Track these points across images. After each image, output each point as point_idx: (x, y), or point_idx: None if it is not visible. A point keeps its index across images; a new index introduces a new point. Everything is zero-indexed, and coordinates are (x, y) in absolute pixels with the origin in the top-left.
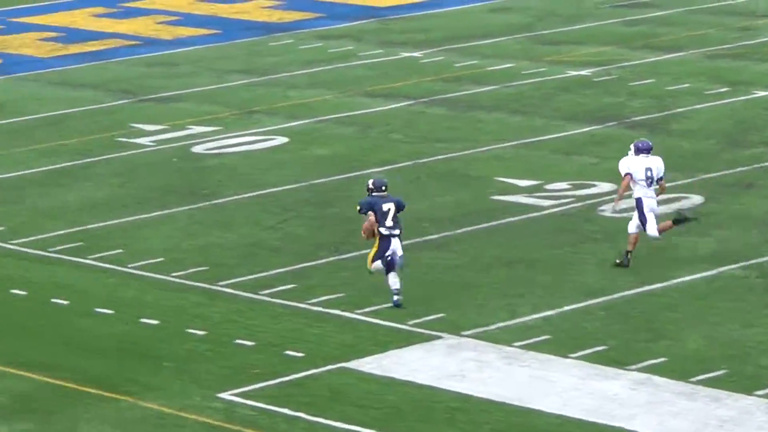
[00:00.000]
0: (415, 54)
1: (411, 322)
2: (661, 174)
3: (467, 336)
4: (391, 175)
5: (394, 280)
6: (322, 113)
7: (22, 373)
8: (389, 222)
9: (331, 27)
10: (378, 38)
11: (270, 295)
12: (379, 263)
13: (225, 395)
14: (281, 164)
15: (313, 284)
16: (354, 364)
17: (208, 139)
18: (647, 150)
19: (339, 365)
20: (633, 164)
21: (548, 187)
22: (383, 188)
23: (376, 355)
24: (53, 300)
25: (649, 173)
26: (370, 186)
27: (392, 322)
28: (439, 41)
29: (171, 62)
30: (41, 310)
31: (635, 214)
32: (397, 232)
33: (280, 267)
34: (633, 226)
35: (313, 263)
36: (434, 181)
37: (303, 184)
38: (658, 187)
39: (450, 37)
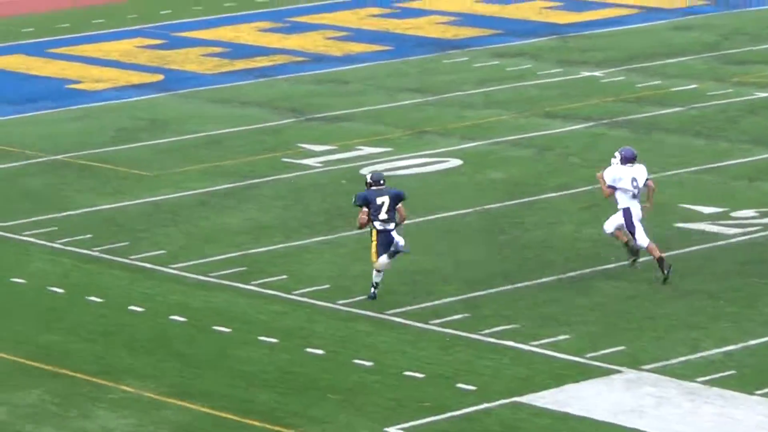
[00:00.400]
0: (596, 73)
1: (588, 355)
2: (645, 182)
3: (647, 370)
4: (567, 200)
5: (380, 272)
6: (498, 134)
7: (182, 403)
8: (383, 215)
9: (508, 44)
10: (557, 56)
11: (440, 324)
12: (385, 258)
13: (393, 429)
14: (454, 187)
15: (485, 314)
16: (528, 399)
17: (378, 160)
18: (633, 159)
19: (512, 399)
20: (619, 174)
21: (734, 214)
22: (381, 182)
23: (551, 390)
24: (214, 327)
25: (635, 183)
26: (369, 180)
27: (569, 354)
28: (621, 60)
29: (340, 80)
30: (202, 337)
31: (615, 217)
32: (391, 226)
33: (451, 295)
34: (611, 226)
35: (486, 292)
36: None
37: (476, 208)
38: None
39: (632, 56)
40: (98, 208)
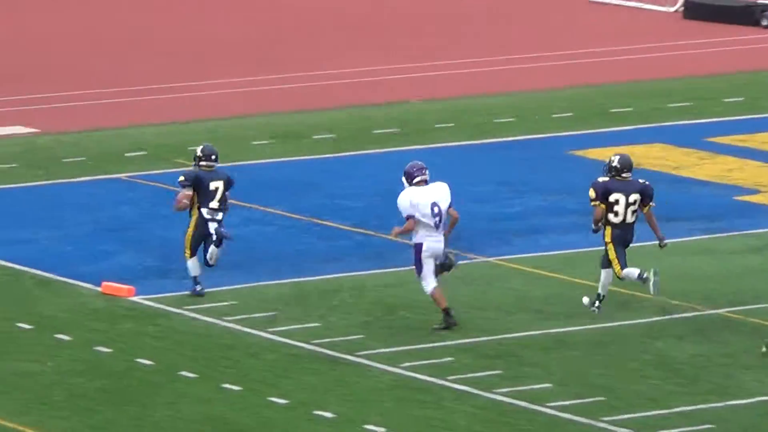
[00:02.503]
0: None
1: None
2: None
3: None
4: None
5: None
6: None
7: None
8: (214, 203)
9: None
10: None
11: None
12: (195, 261)
13: None
14: None
15: None
16: None
17: None
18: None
19: None
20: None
21: None
22: (213, 158)
23: None
24: None
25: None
26: (198, 154)
27: None
28: None
29: None
30: None
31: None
32: (219, 216)
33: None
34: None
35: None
36: None
37: None
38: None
39: None
40: None
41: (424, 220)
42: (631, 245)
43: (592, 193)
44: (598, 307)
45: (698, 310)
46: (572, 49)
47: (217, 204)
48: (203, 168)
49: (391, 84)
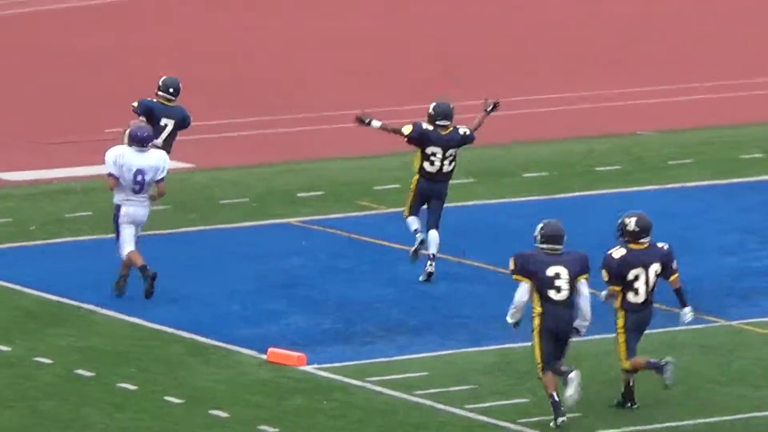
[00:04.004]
0: None
1: None
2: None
3: None
4: None
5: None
6: None
7: None
8: (158, 141)
9: None
10: None
11: None
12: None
13: None
14: None
15: None
16: None
17: None
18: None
19: None
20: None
21: None
22: (170, 91)
23: None
24: None
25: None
26: (158, 83)
27: None
28: None
29: None
30: None
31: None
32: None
33: None
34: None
35: None
36: None
37: None
38: None
39: None
40: None
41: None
42: None
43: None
44: None
45: None
46: None
47: (161, 142)
48: (160, 100)
49: (615, 111)
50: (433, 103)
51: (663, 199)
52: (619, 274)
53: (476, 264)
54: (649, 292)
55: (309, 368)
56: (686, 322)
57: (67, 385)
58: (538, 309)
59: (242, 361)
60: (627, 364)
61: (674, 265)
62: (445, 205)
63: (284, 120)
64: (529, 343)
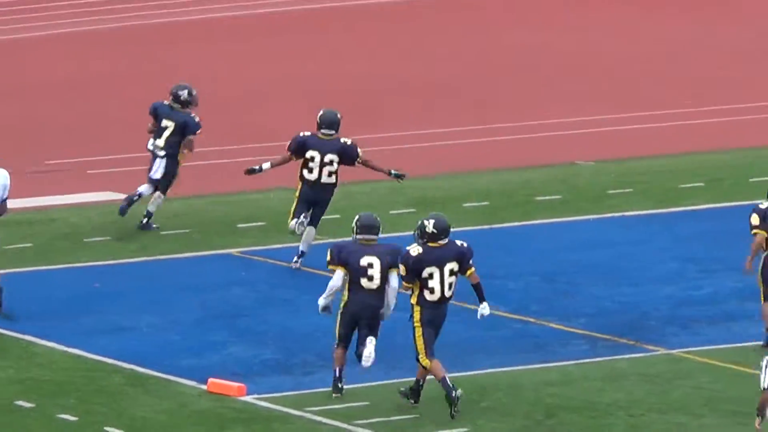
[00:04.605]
0: None
1: None
2: None
3: None
4: None
5: None
6: None
7: None
8: (160, 141)
9: None
10: None
11: None
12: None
13: None
14: None
15: None
16: None
17: None
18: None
19: None
20: None
21: None
22: (178, 97)
23: None
24: None
25: None
26: None
27: None
28: None
29: None
30: None
31: None
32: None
33: None
34: None
35: None
36: None
37: None
38: None
39: None
40: None
41: None
42: None
43: None
44: None
45: None
46: None
47: (162, 142)
48: (170, 103)
49: (555, 141)
50: (321, 112)
51: (602, 229)
52: (414, 271)
53: None
54: (445, 291)
55: (249, 398)
56: (484, 315)
57: (7, 416)
58: (346, 296)
59: (183, 392)
60: (426, 362)
61: (471, 261)
62: (384, 234)
63: (228, 151)
64: (468, 373)
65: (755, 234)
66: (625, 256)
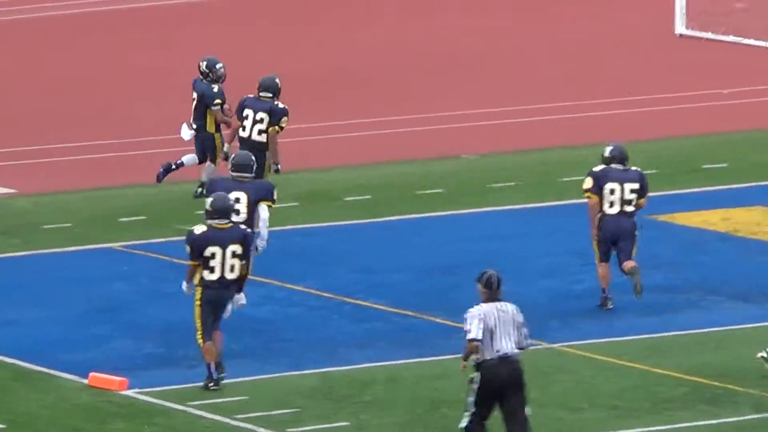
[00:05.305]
0: None
1: None
2: None
3: None
4: None
5: None
6: None
7: None
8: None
9: None
10: None
11: None
12: None
13: None
14: None
15: None
16: None
17: None
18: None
19: None
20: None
21: None
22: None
23: None
24: None
25: None
26: None
27: None
28: None
29: None
30: None
31: None
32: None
33: None
34: None
35: None
36: None
37: None
38: None
39: None
40: None
41: None
42: None
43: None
44: None
45: None
46: (657, 92)
47: (192, 115)
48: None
49: (440, 135)
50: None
51: (485, 222)
52: (197, 250)
53: (297, 288)
54: (225, 272)
55: (130, 392)
56: (241, 304)
57: None
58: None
59: (64, 386)
60: (201, 342)
61: (251, 248)
62: (270, 229)
63: (108, 145)
64: (346, 367)
65: (588, 197)
66: (507, 249)
